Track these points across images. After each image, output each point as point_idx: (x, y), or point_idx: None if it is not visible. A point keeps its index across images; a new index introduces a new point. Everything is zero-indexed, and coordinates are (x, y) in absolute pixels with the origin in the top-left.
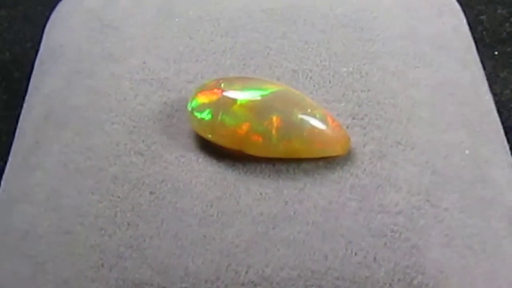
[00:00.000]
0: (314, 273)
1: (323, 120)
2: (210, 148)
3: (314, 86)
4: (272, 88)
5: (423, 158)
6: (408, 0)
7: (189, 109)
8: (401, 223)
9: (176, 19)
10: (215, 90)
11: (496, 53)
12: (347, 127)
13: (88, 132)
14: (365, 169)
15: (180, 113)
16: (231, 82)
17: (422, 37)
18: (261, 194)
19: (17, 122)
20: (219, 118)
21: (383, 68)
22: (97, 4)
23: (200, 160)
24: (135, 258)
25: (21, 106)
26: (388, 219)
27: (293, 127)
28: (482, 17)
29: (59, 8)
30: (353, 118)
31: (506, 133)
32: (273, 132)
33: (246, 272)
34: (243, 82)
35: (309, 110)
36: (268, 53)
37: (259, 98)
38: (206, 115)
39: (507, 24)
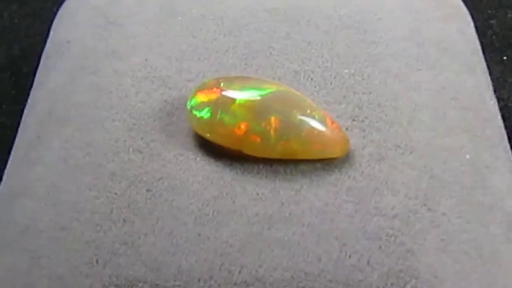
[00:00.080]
0: (307, 275)
1: (322, 121)
2: (208, 147)
3: (315, 87)
4: (271, 88)
5: (422, 162)
6: (413, 2)
7: (188, 107)
8: (396, 226)
9: (179, 18)
10: (214, 89)
11: (505, 58)
12: (347, 129)
13: (88, 128)
14: (363, 172)
15: (180, 111)
16: (231, 81)
17: (426, 40)
18: (257, 194)
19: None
20: (218, 117)
21: (385, 71)
22: (103, 1)
23: (198, 159)
24: (129, 254)
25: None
26: (384, 223)
27: (292, 128)
28: (492, 21)
29: (66, 4)
30: (353, 120)
31: (511, 139)
32: (272, 132)
33: (239, 272)
34: (243, 81)
35: (308, 111)
36: (270, 53)
37: (258, 98)
38: (205, 114)
39: None
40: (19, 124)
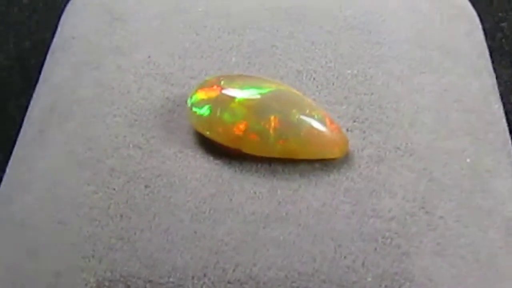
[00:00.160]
0: (301, 275)
1: (321, 121)
2: (208, 145)
3: (317, 87)
4: (271, 87)
5: (421, 165)
6: (418, 4)
7: (189, 104)
8: (393, 229)
9: (184, 15)
10: (215, 87)
11: None
12: (347, 130)
13: (90, 124)
14: (361, 173)
15: (181, 108)
16: (231, 79)
17: (430, 42)
18: (255, 193)
19: None
20: (217, 114)
21: (388, 72)
22: None
23: (197, 156)
24: (125, 250)
25: None
26: (380, 224)
27: (291, 127)
28: (503, 24)
29: (74, 0)
30: (354, 121)
31: None
32: (271, 131)
33: (234, 270)
34: (243, 80)
35: (307, 111)
36: (274, 52)
37: (258, 96)
38: (204, 111)
39: None
40: None
